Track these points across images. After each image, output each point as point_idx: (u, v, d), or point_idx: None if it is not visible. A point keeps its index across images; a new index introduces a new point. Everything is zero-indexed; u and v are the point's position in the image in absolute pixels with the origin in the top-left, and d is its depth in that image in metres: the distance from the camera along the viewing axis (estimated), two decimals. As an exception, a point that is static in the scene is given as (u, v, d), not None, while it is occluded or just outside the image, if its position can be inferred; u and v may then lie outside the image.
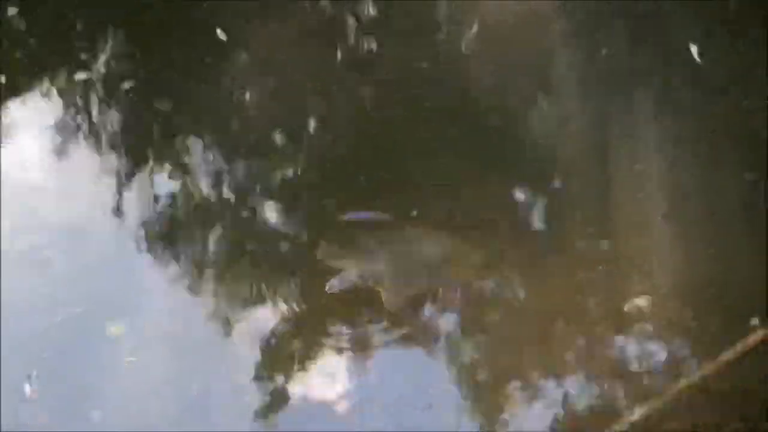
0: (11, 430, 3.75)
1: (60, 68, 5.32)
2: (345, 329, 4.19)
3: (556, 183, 4.70)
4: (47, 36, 5.48)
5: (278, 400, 4.02)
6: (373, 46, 5.30)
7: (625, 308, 4.22)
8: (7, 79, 5.25)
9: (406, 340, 4.18)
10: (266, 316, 4.26)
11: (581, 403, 4.01)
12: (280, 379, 4.08)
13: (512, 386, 4.06)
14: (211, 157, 4.94)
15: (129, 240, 4.58)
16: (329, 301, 4.24)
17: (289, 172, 4.85)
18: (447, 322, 4.24)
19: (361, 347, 4.16)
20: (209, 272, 4.45)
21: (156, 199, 4.77)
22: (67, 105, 5.21)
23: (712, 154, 4.64)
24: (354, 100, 5.11)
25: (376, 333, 4.19)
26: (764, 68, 4.89)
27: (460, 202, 4.62)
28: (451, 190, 4.68)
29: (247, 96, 5.18)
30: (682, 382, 3.98)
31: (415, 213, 4.60)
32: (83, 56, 5.34)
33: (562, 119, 4.86)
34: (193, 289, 4.41)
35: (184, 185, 4.82)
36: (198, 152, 4.96)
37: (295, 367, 4.10)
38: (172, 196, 4.78)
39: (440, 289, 4.31)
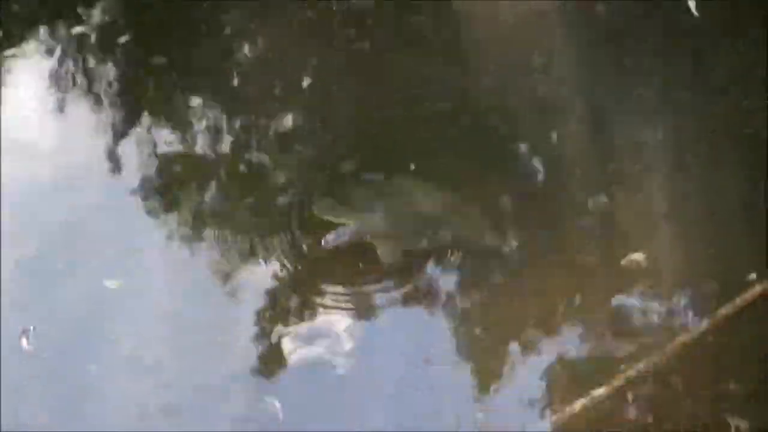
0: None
1: (57, 22, 5.35)
2: (341, 287, 4.24)
3: (555, 137, 4.78)
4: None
5: (276, 357, 4.07)
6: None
7: (623, 263, 4.27)
8: (4, 33, 5.29)
9: (405, 296, 4.24)
10: (263, 272, 4.32)
11: (578, 359, 4.08)
12: (277, 335, 4.13)
13: (510, 341, 4.12)
14: (208, 111, 4.98)
15: (126, 195, 4.63)
16: (325, 256, 4.29)
17: (286, 127, 4.90)
18: (445, 277, 4.29)
19: (358, 305, 4.21)
20: (206, 227, 4.49)
21: (153, 154, 4.81)
22: (64, 59, 5.24)
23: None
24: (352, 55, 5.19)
25: (374, 290, 4.24)
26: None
27: (458, 156, 4.69)
28: (450, 144, 4.76)
29: (245, 50, 5.22)
30: (679, 338, 4.05)
31: (413, 167, 4.64)
32: (80, 10, 5.36)
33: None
34: (190, 244, 4.46)
35: (181, 140, 4.87)
36: (195, 107, 5.00)
37: (293, 323, 4.15)
38: (170, 152, 4.83)
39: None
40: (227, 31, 5.29)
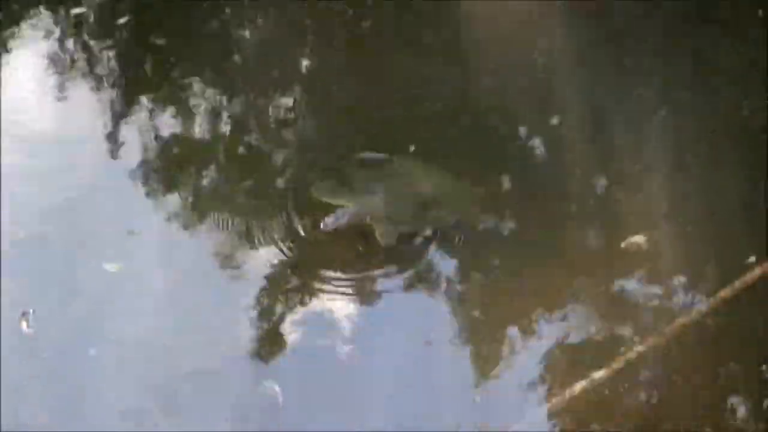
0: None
1: (57, 2, 5.41)
2: (341, 273, 4.24)
3: (554, 120, 4.81)
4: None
5: (276, 341, 4.08)
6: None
7: (623, 245, 4.28)
8: (4, 14, 5.33)
9: (405, 280, 4.24)
10: (262, 255, 4.33)
11: (578, 341, 4.08)
12: (277, 319, 4.14)
13: (509, 324, 4.13)
14: (207, 93, 5.01)
15: (125, 177, 4.64)
16: (324, 239, 4.30)
17: (285, 109, 4.93)
18: (444, 260, 4.30)
19: (358, 290, 4.21)
20: (205, 210, 4.51)
21: (152, 136, 4.83)
22: (63, 40, 5.28)
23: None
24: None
25: (374, 275, 4.24)
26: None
27: (457, 138, 4.73)
28: (449, 125, 4.78)
29: (245, 31, 5.27)
30: (679, 320, 4.05)
31: (412, 148, 4.66)
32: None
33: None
34: (189, 227, 4.47)
35: (180, 122, 4.89)
36: (194, 88, 5.03)
37: (293, 307, 4.17)
38: (169, 133, 4.85)
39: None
40: (227, 12, 5.33)
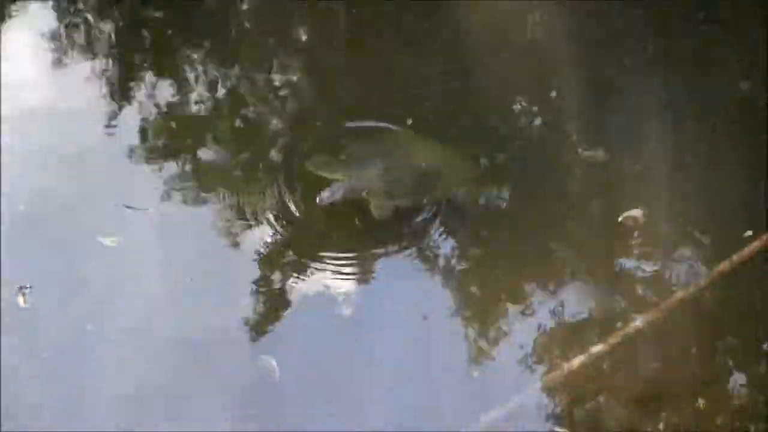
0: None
1: None
2: (338, 251, 4.26)
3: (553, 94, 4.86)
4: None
5: (274, 316, 4.11)
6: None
7: (620, 220, 4.33)
8: None
9: (402, 256, 4.27)
10: (259, 229, 4.36)
11: (576, 316, 4.12)
12: (274, 295, 4.17)
13: (507, 299, 4.17)
14: (205, 66, 5.06)
15: (122, 151, 4.68)
16: (320, 213, 4.33)
17: (282, 83, 4.98)
18: (441, 234, 4.34)
19: (355, 268, 4.24)
20: (203, 183, 4.55)
21: (150, 109, 4.88)
22: (62, 14, 5.35)
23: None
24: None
25: (371, 253, 4.27)
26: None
27: (452, 110, 4.78)
28: (447, 99, 4.83)
29: (244, 4, 5.33)
30: (677, 295, 4.09)
31: (410, 122, 4.70)
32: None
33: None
34: (187, 201, 4.51)
35: (178, 95, 4.94)
36: (193, 62, 5.08)
37: (290, 284, 4.20)
38: (167, 107, 4.90)
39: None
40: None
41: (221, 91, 4.97)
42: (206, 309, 4.10)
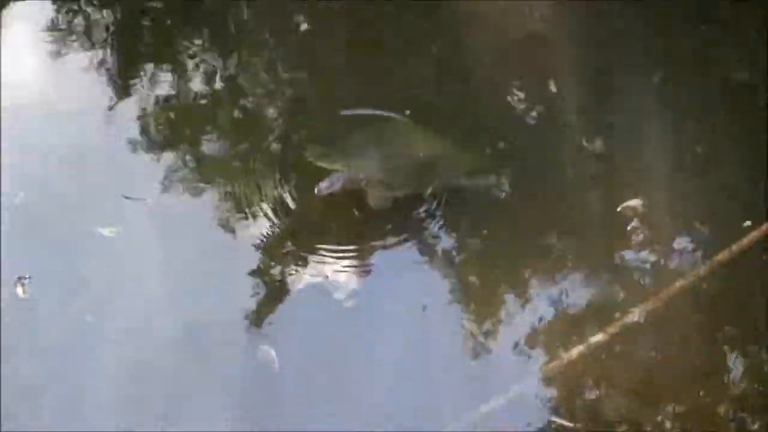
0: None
1: None
2: (337, 237, 4.28)
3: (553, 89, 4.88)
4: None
5: (273, 307, 4.13)
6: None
7: (619, 209, 4.35)
8: None
9: (401, 244, 4.29)
10: (258, 220, 4.37)
11: (575, 306, 4.14)
12: (273, 287, 4.19)
13: (506, 289, 4.20)
14: (204, 56, 5.08)
15: (121, 142, 4.69)
16: (319, 204, 4.34)
17: (281, 72, 5.02)
18: (440, 224, 4.36)
19: (355, 259, 4.25)
20: (202, 174, 4.57)
21: (149, 99, 4.89)
22: (61, 3, 5.36)
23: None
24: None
25: (371, 238, 4.29)
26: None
27: (451, 100, 4.79)
28: (444, 88, 4.86)
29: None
30: (676, 284, 4.10)
31: (408, 112, 4.71)
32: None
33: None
34: (185, 191, 4.52)
35: (177, 86, 4.96)
36: (192, 52, 5.10)
37: (289, 275, 4.21)
38: (166, 97, 4.91)
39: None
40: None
41: (220, 82, 4.99)
42: (205, 301, 4.11)
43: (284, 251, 4.29)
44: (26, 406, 3.86)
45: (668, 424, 3.82)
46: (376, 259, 4.26)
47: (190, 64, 5.05)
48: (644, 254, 4.26)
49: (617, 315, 4.04)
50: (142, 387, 3.90)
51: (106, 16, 5.31)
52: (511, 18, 5.30)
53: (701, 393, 3.86)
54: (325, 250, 4.26)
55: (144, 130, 4.77)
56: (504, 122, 4.83)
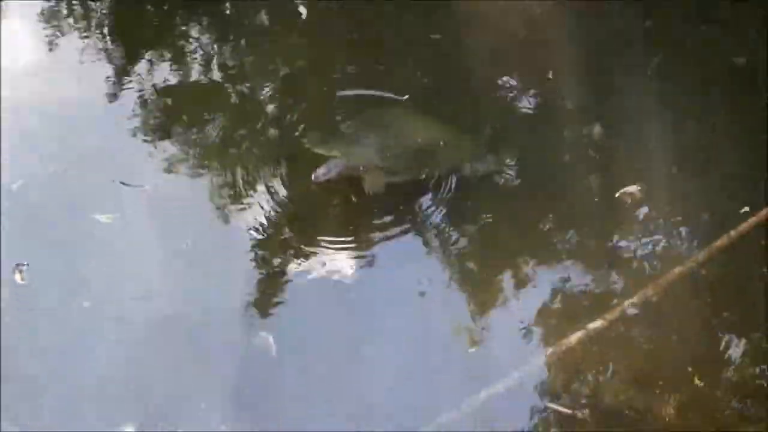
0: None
1: None
2: (335, 223, 4.31)
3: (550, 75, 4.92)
4: None
5: (271, 294, 4.15)
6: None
7: (617, 195, 4.36)
8: None
9: (399, 228, 4.32)
10: (256, 207, 4.39)
11: (574, 292, 4.17)
12: (272, 273, 4.21)
13: (505, 275, 4.22)
14: (203, 43, 5.14)
15: (120, 129, 4.71)
16: (316, 190, 4.36)
17: (279, 59, 5.05)
18: (438, 210, 4.38)
19: (353, 248, 4.27)
20: (200, 160, 4.59)
21: (148, 86, 4.93)
22: None
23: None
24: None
25: (368, 224, 4.31)
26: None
27: (450, 87, 4.82)
28: (443, 75, 4.88)
29: None
30: (675, 270, 4.12)
31: (406, 97, 4.74)
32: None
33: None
34: (184, 178, 4.55)
35: (175, 73, 5.00)
36: (190, 39, 5.16)
37: (288, 262, 4.23)
38: (164, 84, 4.96)
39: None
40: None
41: (218, 70, 5.03)
42: (202, 288, 4.14)
43: (282, 237, 4.31)
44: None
45: (667, 409, 3.82)
46: (375, 245, 4.28)
47: (189, 52, 5.10)
48: (643, 239, 4.29)
49: (616, 302, 4.06)
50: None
51: (105, 3, 5.37)
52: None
53: (700, 378, 3.87)
54: (323, 236, 4.28)
55: (142, 118, 4.81)
56: (503, 115, 4.89)
